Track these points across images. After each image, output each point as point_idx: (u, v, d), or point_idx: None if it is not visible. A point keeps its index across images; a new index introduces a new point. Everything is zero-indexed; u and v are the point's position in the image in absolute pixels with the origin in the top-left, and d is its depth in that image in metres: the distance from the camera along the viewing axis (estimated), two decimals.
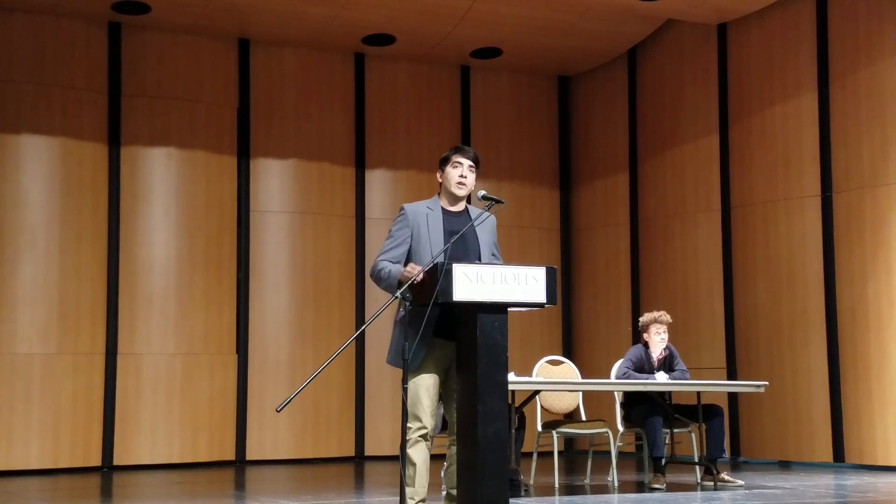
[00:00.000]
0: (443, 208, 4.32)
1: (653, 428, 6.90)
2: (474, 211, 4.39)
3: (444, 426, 4.75)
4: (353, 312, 9.59)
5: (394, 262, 4.22)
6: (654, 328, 7.24)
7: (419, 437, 4.12)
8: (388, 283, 4.16)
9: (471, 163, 4.34)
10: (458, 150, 4.35)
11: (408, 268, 4.09)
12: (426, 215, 4.27)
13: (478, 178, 4.41)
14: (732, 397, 8.94)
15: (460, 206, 4.36)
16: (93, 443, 8.52)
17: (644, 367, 7.19)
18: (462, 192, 4.33)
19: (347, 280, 9.62)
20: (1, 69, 8.50)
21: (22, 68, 8.57)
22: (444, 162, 4.35)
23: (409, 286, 3.98)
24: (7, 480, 7.81)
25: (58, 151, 8.61)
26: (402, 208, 4.33)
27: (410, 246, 4.25)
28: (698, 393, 7.08)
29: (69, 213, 8.58)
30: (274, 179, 9.48)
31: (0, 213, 8.38)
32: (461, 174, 4.30)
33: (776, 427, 8.72)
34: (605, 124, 10.38)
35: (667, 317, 7.30)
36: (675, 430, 7.25)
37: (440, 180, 4.37)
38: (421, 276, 3.98)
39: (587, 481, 7.40)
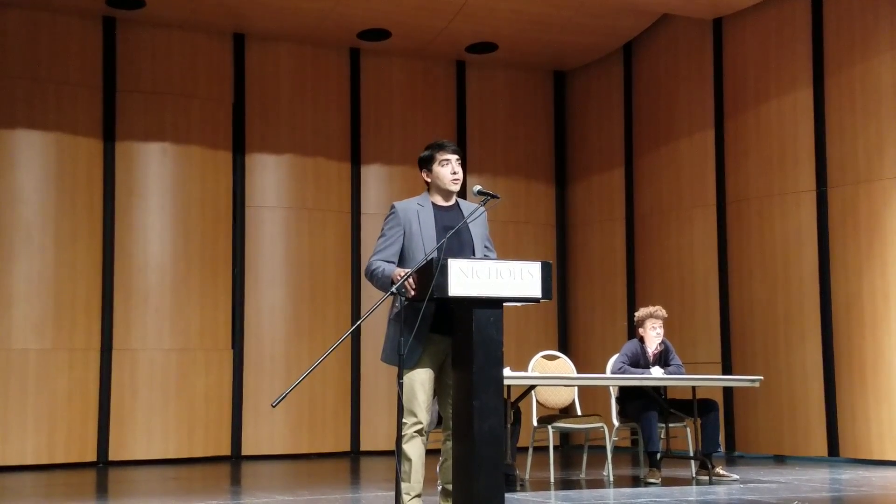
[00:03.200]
0: (434, 204, 4.31)
1: (648, 422, 6.91)
2: (464, 204, 4.38)
3: (439, 421, 4.75)
4: (349, 308, 9.59)
5: (387, 262, 4.21)
6: (649, 323, 7.25)
7: (415, 432, 4.13)
8: (382, 283, 4.16)
9: (457, 157, 4.33)
10: (441, 148, 4.31)
11: (396, 272, 4.09)
12: (417, 212, 4.26)
13: (474, 173, 4.42)
14: (728, 392, 8.96)
15: (451, 201, 4.36)
16: (88, 438, 8.52)
17: (639, 361, 7.20)
18: (457, 188, 4.34)
19: (343, 275, 9.62)
20: None
21: (16, 63, 8.55)
22: (429, 161, 4.31)
23: (402, 284, 3.98)
24: (2, 476, 7.81)
25: (52, 147, 8.60)
26: (392, 206, 4.32)
27: (403, 244, 4.24)
28: (693, 388, 7.09)
29: (64, 209, 8.57)
30: (269, 175, 9.47)
31: None
32: (453, 170, 4.29)
33: (771, 421, 8.74)
34: (600, 119, 10.38)
35: (662, 312, 7.30)
36: (671, 425, 7.26)
37: (427, 180, 4.33)
38: (411, 280, 3.97)
39: (583, 476, 7.41)
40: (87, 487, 7.35)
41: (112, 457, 8.57)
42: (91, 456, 8.53)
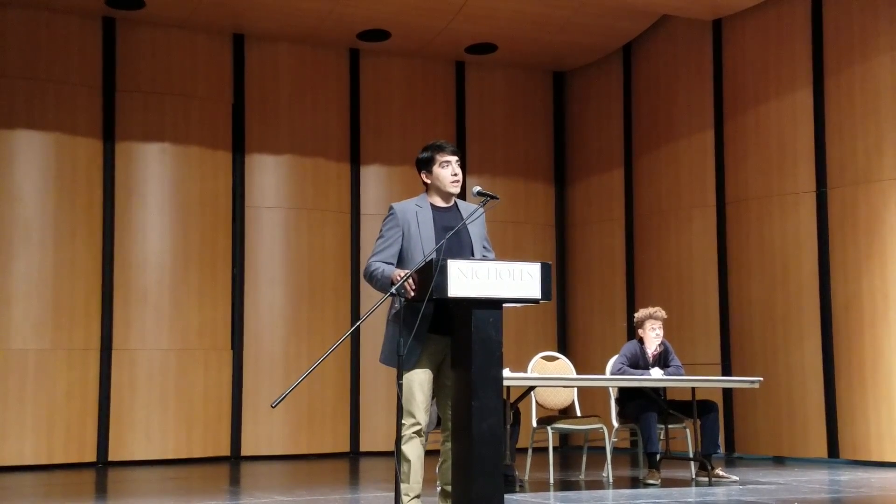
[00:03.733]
0: (432, 205, 4.30)
1: (647, 424, 6.91)
2: (463, 204, 4.37)
3: (438, 422, 4.75)
4: (348, 308, 9.59)
5: (386, 263, 4.20)
6: (648, 324, 7.25)
7: (413, 433, 4.12)
8: (382, 284, 4.15)
9: (457, 158, 4.32)
10: (441, 149, 4.29)
11: (396, 272, 4.08)
12: (416, 213, 4.25)
13: (473, 173, 4.41)
14: (727, 393, 8.96)
15: (450, 202, 4.35)
16: (87, 438, 8.52)
17: (639, 362, 7.19)
18: (457, 190, 4.33)
19: (342, 276, 9.62)
20: None
21: (16, 63, 8.55)
22: (429, 162, 4.29)
23: (402, 285, 3.98)
24: (1, 476, 7.80)
25: (52, 147, 8.60)
26: (391, 207, 4.31)
27: (402, 245, 4.23)
28: (693, 389, 7.08)
29: (63, 209, 8.57)
30: (268, 175, 9.47)
31: None
32: (454, 172, 4.28)
33: (770, 423, 8.74)
34: (599, 120, 10.38)
35: (662, 312, 7.30)
36: (670, 426, 7.26)
37: (427, 181, 4.31)
38: (410, 280, 3.97)
39: (582, 477, 7.41)
40: (86, 487, 7.34)
41: (111, 457, 8.57)
42: (90, 456, 8.52)
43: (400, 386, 3.92)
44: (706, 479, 6.94)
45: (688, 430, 7.33)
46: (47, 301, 8.44)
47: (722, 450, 8.68)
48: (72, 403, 8.46)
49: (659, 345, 7.25)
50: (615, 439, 7.35)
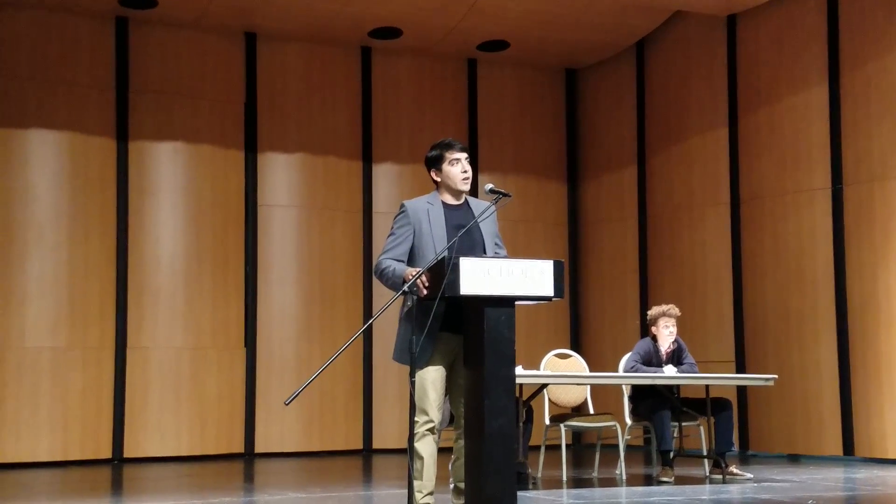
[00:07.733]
0: (443, 202, 4.30)
1: (661, 421, 6.89)
2: (474, 202, 4.37)
3: (451, 420, 4.75)
4: (360, 306, 9.60)
5: (397, 260, 4.20)
6: (662, 321, 7.22)
7: (426, 430, 4.12)
8: (393, 282, 4.15)
9: (466, 155, 4.32)
10: (449, 147, 4.29)
11: (408, 271, 4.08)
12: (427, 211, 4.25)
13: (484, 171, 4.41)
14: (741, 390, 8.92)
15: (461, 199, 4.35)
16: (102, 436, 8.56)
17: (652, 360, 7.18)
18: (468, 187, 4.33)
19: (354, 274, 9.63)
20: (7, 65, 8.53)
21: (28, 64, 8.59)
22: (438, 161, 4.29)
23: (414, 283, 3.98)
24: (17, 473, 7.85)
25: (65, 147, 8.64)
26: (402, 205, 4.31)
27: (413, 242, 4.23)
28: (707, 386, 7.06)
29: (77, 209, 8.61)
30: (280, 174, 9.49)
31: (8, 208, 8.42)
32: (463, 169, 4.28)
33: (785, 420, 8.71)
34: (612, 118, 10.36)
35: (675, 310, 7.28)
36: (684, 424, 7.24)
37: (437, 179, 4.32)
38: (423, 278, 3.97)
39: (595, 474, 7.39)
40: (101, 484, 7.38)
41: (126, 454, 8.61)
42: (105, 453, 8.56)
43: (413, 383, 3.92)
44: (720, 476, 6.91)
45: (701, 428, 7.31)
46: (62, 300, 8.48)
47: (736, 447, 8.65)
48: (86, 401, 8.50)
49: (672, 342, 7.23)
50: (628, 437, 7.33)
